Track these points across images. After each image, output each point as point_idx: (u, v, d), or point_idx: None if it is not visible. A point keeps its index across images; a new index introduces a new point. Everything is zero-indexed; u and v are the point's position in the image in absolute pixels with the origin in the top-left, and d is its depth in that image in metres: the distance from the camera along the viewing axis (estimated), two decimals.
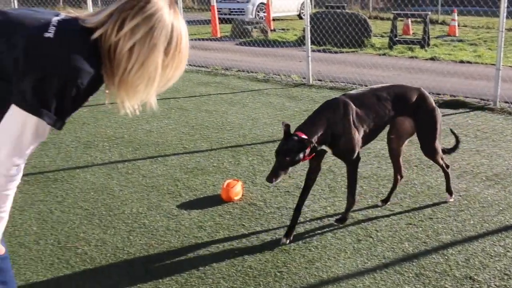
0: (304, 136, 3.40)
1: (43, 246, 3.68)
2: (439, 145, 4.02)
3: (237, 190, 4.29)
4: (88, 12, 1.96)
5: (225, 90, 8.46)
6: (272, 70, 9.95)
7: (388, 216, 3.94)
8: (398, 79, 8.56)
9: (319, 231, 3.73)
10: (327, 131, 3.52)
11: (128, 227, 3.89)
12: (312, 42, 9.90)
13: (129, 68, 1.83)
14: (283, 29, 17.56)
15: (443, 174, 4.22)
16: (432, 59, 11.04)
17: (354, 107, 3.62)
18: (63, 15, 1.93)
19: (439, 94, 7.71)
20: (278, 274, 3.25)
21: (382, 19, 19.07)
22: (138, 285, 3.19)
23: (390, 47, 12.47)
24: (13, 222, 4.05)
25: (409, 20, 14.70)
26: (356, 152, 3.66)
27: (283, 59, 11.26)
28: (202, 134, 6.04)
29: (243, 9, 19.53)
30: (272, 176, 3.36)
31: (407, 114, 3.89)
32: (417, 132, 3.96)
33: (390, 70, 9.64)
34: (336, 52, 11.69)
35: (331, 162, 4.91)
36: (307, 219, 3.90)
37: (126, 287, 3.17)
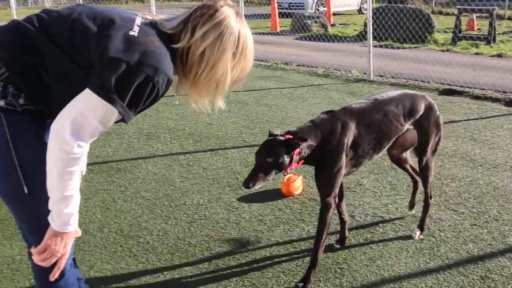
0: (290, 136, 2.91)
1: (106, 234, 3.77)
2: (433, 164, 3.55)
3: (298, 184, 4.28)
4: (162, 17, 2.06)
5: (284, 85, 8.45)
6: (332, 65, 9.86)
7: (451, 216, 3.84)
8: (462, 76, 8.34)
9: (380, 229, 3.68)
10: (318, 145, 2.98)
11: (189, 218, 3.94)
12: (374, 37, 9.77)
13: (200, 71, 1.96)
14: (343, 24, 17.39)
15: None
16: (498, 55, 10.71)
17: (353, 130, 3.06)
18: (142, 17, 2.04)
19: (505, 92, 7.47)
20: (339, 270, 3.22)
21: (445, 14, 18.64)
22: (198, 275, 3.22)
23: (454, 43, 12.16)
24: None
25: (474, 15, 14.29)
26: (334, 192, 3.04)
27: (343, 54, 11.15)
28: (262, 128, 6.04)
29: (303, 3, 19.46)
30: (250, 180, 2.82)
31: (413, 125, 3.39)
32: (418, 144, 3.47)
33: (454, 66, 9.40)
34: (398, 48, 11.49)
35: None
36: (368, 216, 3.85)
37: (187, 277, 3.21)
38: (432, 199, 3.67)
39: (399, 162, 3.80)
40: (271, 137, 2.93)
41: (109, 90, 1.86)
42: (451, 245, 3.45)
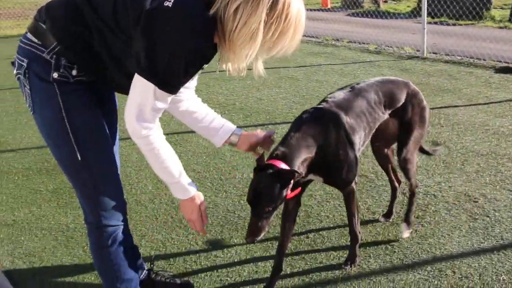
0: (284, 166, 2.47)
1: (157, 205, 3.83)
2: (415, 156, 3.23)
3: None
4: None
5: (335, 61, 8.35)
6: (384, 41, 9.68)
7: (507, 196, 3.74)
8: None
9: (432, 207, 3.61)
10: (317, 156, 2.62)
11: (239, 191, 3.95)
12: (428, 14, 9.52)
13: (234, 27, 1.92)
14: (395, 0, 17.02)
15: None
16: None
17: (345, 118, 2.75)
18: None
19: None
20: (389, 247, 3.19)
21: None
22: (248, 248, 3.24)
23: None
24: (129, 180, 4.24)
25: None
26: (356, 175, 2.84)
27: (396, 30, 10.92)
28: (312, 104, 5.93)
29: None
30: (252, 234, 2.42)
31: (394, 114, 3.05)
32: (400, 134, 3.12)
33: None
34: (453, 25, 11.18)
35: (446, 137, 4.73)
36: (420, 193, 3.78)
37: (237, 249, 3.23)
38: (417, 189, 3.36)
39: (383, 161, 3.45)
40: (261, 174, 2.45)
41: (144, 66, 1.90)
42: (506, 225, 3.36)
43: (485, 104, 5.72)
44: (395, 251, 3.14)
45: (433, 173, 4.11)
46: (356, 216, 2.95)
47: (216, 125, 2.53)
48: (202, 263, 3.14)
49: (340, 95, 2.89)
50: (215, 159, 4.54)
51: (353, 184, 2.84)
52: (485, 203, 3.63)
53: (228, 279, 2.98)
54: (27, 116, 5.92)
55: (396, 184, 3.51)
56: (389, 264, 3.04)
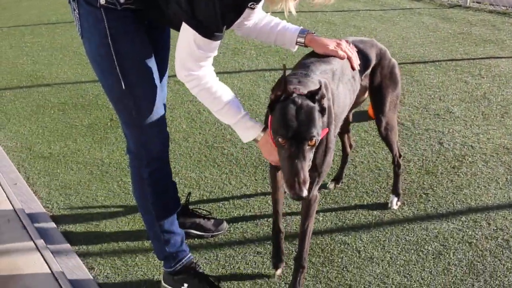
0: (312, 89, 2.02)
1: (191, 144, 3.84)
2: (396, 121, 2.88)
3: None
4: None
5: (374, 7, 8.13)
6: None
7: None
8: None
9: (469, 158, 3.54)
10: None
11: None
12: None
13: None
14: None
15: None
16: None
17: (331, 90, 2.25)
18: None
19: None
20: (424, 195, 3.16)
21: None
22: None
23: None
24: None
25: None
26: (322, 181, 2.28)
27: None
28: None
29: None
30: (302, 185, 1.84)
31: (364, 78, 2.66)
32: (374, 101, 2.78)
33: None
34: None
35: (486, 89, 4.60)
36: (457, 144, 3.72)
37: (268, 188, 3.24)
38: (402, 157, 3.08)
39: (342, 125, 2.59)
40: (295, 99, 1.94)
41: (186, 9, 1.87)
42: None
43: None
44: (429, 200, 3.11)
45: (471, 124, 4.02)
46: (307, 236, 2.39)
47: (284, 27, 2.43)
48: (235, 203, 3.15)
49: (318, 61, 2.37)
50: (250, 101, 4.51)
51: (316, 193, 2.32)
52: None
53: (262, 220, 2.99)
54: (63, 52, 5.93)
55: (349, 150, 3.27)
56: (423, 212, 3.01)
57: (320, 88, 1.96)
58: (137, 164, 2.27)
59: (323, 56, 2.39)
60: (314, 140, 1.89)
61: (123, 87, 2.08)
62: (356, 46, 2.57)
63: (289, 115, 1.89)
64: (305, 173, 1.85)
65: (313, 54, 2.46)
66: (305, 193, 1.84)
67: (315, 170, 2.16)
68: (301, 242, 2.38)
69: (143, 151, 2.23)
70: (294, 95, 1.95)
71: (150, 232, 2.42)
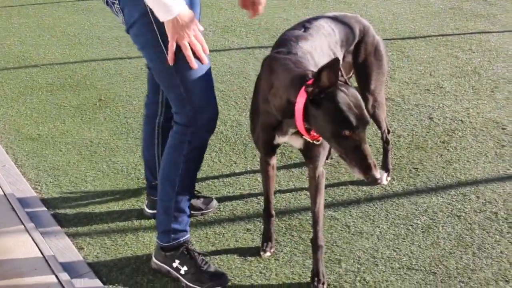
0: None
1: None
2: (384, 98, 2.86)
3: None
4: None
5: None
6: None
7: None
8: None
9: (459, 133, 3.54)
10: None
11: None
12: None
13: None
14: None
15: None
16: None
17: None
18: None
19: None
20: (413, 170, 3.16)
21: None
22: None
23: None
24: None
25: None
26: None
27: None
28: None
29: None
30: (376, 167, 1.90)
31: (347, 55, 2.62)
32: (359, 79, 2.73)
33: None
34: None
35: (477, 63, 4.59)
36: (447, 119, 3.71)
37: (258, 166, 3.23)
38: (390, 133, 3.06)
39: None
40: (347, 89, 1.90)
41: None
42: None
43: None
44: (419, 175, 3.11)
45: (461, 99, 4.01)
46: (320, 219, 2.39)
47: None
48: (225, 181, 3.14)
49: (300, 37, 2.29)
50: (239, 78, 4.48)
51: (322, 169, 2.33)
52: None
53: (252, 198, 2.99)
54: (50, 32, 5.87)
55: None
56: (412, 187, 3.02)
57: (339, 67, 1.87)
58: (181, 139, 2.24)
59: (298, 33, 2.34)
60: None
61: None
62: (339, 21, 2.53)
63: (347, 106, 1.86)
64: (373, 160, 1.88)
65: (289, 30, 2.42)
66: (379, 174, 1.91)
67: (321, 145, 2.19)
68: (316, 222, 2.36)
69: (189, 126, 2.21)
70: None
71: (161, 204, 2.39)
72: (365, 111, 1.89)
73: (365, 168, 1.87)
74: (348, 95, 1.87)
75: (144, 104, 2.72)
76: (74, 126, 3.87)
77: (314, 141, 2.09)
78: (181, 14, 1.99)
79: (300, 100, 1.93)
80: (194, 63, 2.08)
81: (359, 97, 1.91)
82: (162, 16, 1.99)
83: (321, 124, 1.92)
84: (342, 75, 1.95)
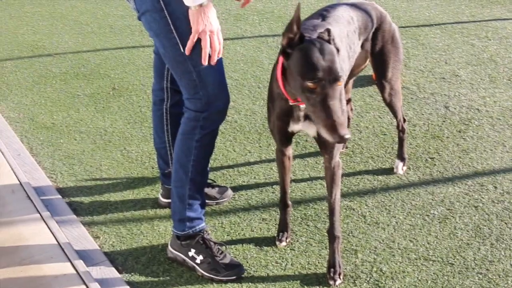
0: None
1: None
2: (400, 87, 2.86)
3: None
4: None
5: None
6: None
7: None
8: None
9: (476, 122, 3.51)
10: None
11: None
12: None
13: None
14: None
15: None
16: None
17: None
18: None
19: None
20: (430, 160, 3.13)
21: None
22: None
23: None
24: None
25: None
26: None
27: None
28: None
29: None
30: (345, 125, 1.83)
31: (364, 43, 2.62)
32: (376, 67, 2.75)
33: None
34: None
35: (493, 51, 4.54)
36: (463, 107, 3.67)
37: (273, 155, 3.22)
38: (406, 122, 3.03)
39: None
40: (315, 41, 1.90)
41: None
42: None
43: None
44: (435, 164, 3.08)
45: (477, 87, 3.97)
46: (338, 211, 2.36)
47: None
48: (240, 170, 3.13)
49: (322, 24, 2.26)
50: (253, 67, 4.46)
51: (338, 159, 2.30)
52: None
53: (267, 187, 2.98)
54: (63, 21, 5.87)
55: (351, 114, 3.24)
56: (428, 176, 2.99)
57: (329, 31, 1.92)
58: (193, 124, 2.25)
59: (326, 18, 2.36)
60: (342, 80, 1.84)
61: (181, 50, 2.10)
62: (357, 8, 2.52)
63: (314, 57, 1.84)
64: (344, 114, 1.80)
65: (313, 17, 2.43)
66: (349, 133, 1.79)
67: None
68: (332, 213, 2.33)
69: (201, 112, 2.22)
70: (308, 37, 1.92)
71: (176, 191, 2.38)
72: (336, 66, 1.84)
73: (330, 126, 1.79)
74: (318, 48, 1.86)
75: (152, 91, 2.73)
76: (88, 115, 3.87)
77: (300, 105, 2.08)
78: (209, 5, 2.01)
79: (280, 60, 1.98)
80: (206, 61, 2.10)
81: (334, 52, 1.88)
82: (188, 1, 1.98)
83: (290, 78, 1.94)
84: (328, 35, 1.94)
